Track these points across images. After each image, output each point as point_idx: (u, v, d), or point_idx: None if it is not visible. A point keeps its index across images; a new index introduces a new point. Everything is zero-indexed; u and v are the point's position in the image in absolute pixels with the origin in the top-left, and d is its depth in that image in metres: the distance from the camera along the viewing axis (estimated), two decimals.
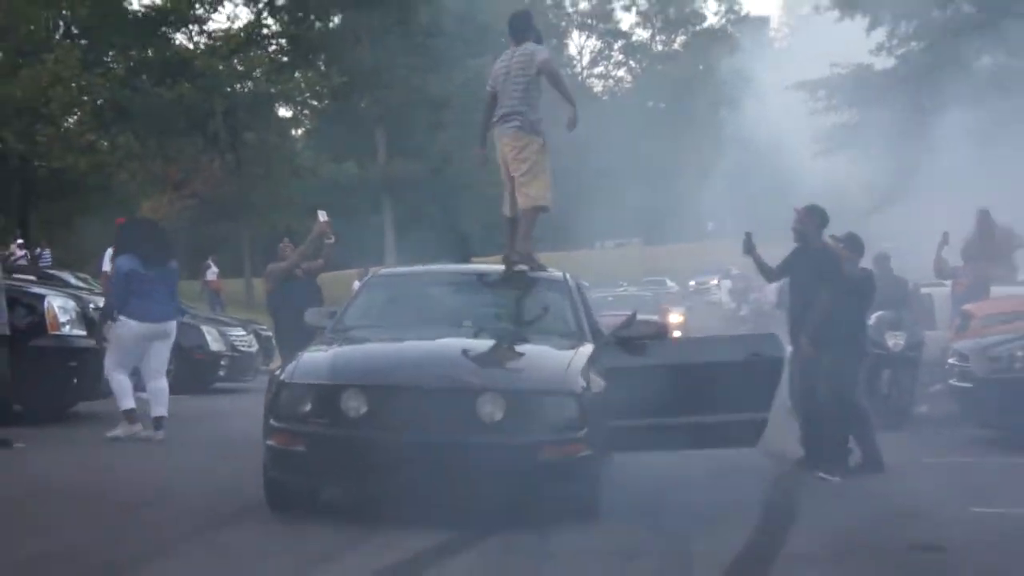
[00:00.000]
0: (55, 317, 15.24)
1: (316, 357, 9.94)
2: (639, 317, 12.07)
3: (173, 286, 14.73)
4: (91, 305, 16.24)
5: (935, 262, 17.20)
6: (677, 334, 28.74)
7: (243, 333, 21.04)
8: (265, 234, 60.21)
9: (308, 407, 9.31)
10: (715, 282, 53.30)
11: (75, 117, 51.79)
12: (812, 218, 12.99)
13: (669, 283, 50.29)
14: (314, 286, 13.22)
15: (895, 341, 16.19)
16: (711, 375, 10.94)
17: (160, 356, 14.61)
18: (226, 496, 10.43)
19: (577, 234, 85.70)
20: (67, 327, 15.37)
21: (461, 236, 62.58)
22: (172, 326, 14.65)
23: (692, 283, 63.58)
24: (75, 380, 15.59)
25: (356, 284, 21.53)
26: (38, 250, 43.23)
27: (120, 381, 14.25)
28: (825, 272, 12.46)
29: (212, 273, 47.15)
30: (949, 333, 17.31)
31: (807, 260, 12.78)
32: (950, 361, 15.50)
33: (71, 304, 15.69)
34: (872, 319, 17.18)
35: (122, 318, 14.08)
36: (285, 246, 13.25)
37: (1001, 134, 26.29)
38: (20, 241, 37.17)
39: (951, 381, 15.39)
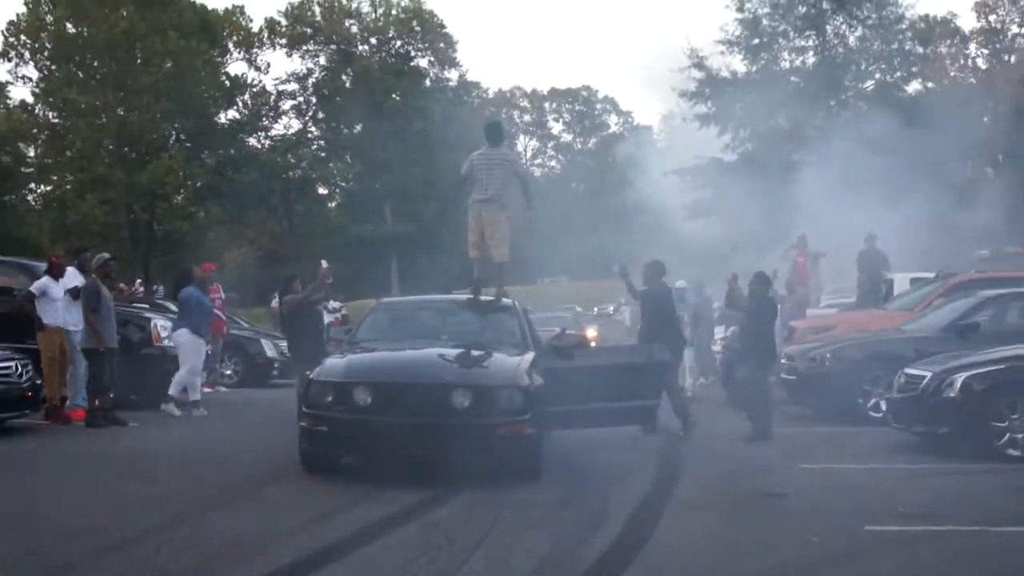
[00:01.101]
0: (158, 334, 14.87)
1: (335, 362, 9.60)
2: (567, 331, 11.71)
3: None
4: None
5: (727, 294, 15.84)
6: (593, 344, 28.29)
7: None
8: (309, 274, 60.12)
9: (329, 398, 8.95)
10: (611, 309, 52.47)
11: (181, 195, 52.26)
12: (652, 269, 13.59)
13: (577, 308, 49.46)
14: (316, 310, 12.85)
15: None
16: (619, 372, 10.58)
17: None
18: (273, 460, 10.01)
19: (524, 273, 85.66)
20: (166, 340, 14.83)
21: (445, 275, 62.41)
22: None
23: (595, 309, 62.92)
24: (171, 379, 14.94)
25: None
26: (155, 287, 42.91)
27: None
28: (661, 303, 13.28)
29: (275, 302, 46.31)
30: (780, 341, 16.86)
31: (651, 295, 13.43)
32: (782, 361, 15.07)
33: (169, 324, 15.11)
34: (728, 331, 16.92)
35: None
36: (297, 284, 12.79)
37: (805, 200, 26.39)
38: (140, 280, 36.53)
39: (782, 375, 14.96)
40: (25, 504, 8.07)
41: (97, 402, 12.61)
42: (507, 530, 7.51)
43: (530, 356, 9.86)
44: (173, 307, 21.29)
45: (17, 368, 11.62)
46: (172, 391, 13.83)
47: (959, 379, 10.50)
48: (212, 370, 17.56)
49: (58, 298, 12.90)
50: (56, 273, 13.13)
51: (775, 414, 12.54)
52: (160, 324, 14.99)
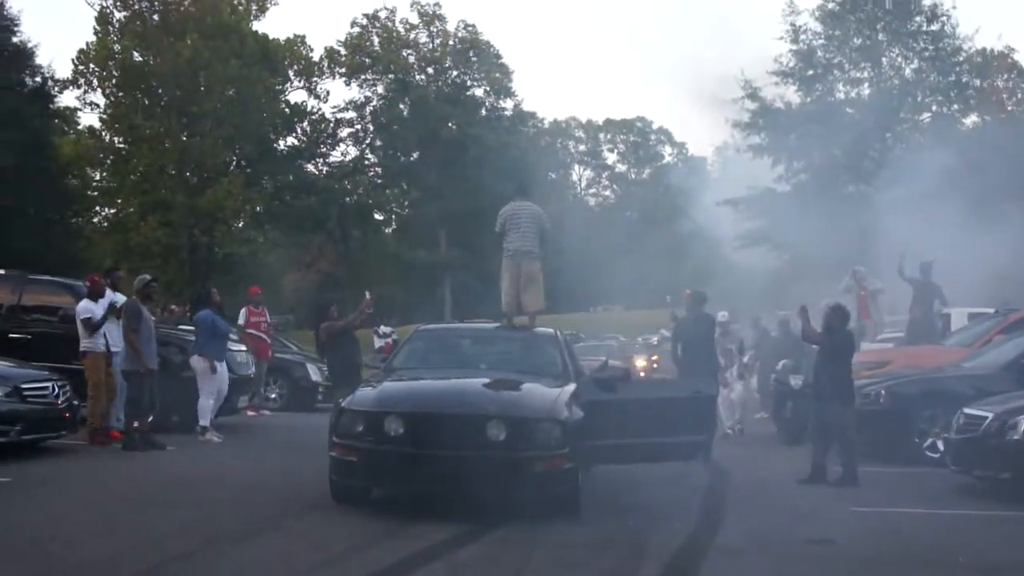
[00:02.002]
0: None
1: (367, 390, 9.13)
2: (610, 362, 11.20)
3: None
4: None
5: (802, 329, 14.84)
6: (641, 375, 27.58)
7: None
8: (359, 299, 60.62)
9: (360, 428, 8.50)
10: (655, 339, 50.93)
11: (241, 220, 52.56)
12: (693, 299, 13.60)
13: (621, 338, 48.35)
14: (353, 336, 12.52)
15: (795, 381, 15.06)
16: (664, 406, 9.98)
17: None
18: (306, 489, 9.52)
19: (577, 302, 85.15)
20: None
21: (497, 301, 62.07)
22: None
23: (639, 339, 61.79)
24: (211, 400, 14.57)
25: None
26: None
27: None
28: (700, 332, 13.06)
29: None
30: None
31: (689, 323, 13.43)
32: None
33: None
34: (779, 365, 16.16)
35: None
36: (334, 311, 12.49)
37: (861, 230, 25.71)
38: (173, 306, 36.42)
39: None
40: (45, 528, 7.71)
41: (136, 424, 12.31)
42: (540, 571, 7.05)
43: (571, 388, 9.35)
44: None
45: (54, 389, 11.35)
46: (202, 422, 13.47)
47: (1023, 421, 9.83)
48: (256, 393, 17.24)
49: (97, 317, 12.62)
50: (97, 294, 12.87)
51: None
52: None
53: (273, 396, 18.48)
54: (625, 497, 9.95)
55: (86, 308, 12.62)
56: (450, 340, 11.23)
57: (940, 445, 12.31)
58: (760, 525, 8.78)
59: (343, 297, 60.51)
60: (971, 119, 38.10)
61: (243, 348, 16.30)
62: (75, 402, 11.91)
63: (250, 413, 16.89)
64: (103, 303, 12.76)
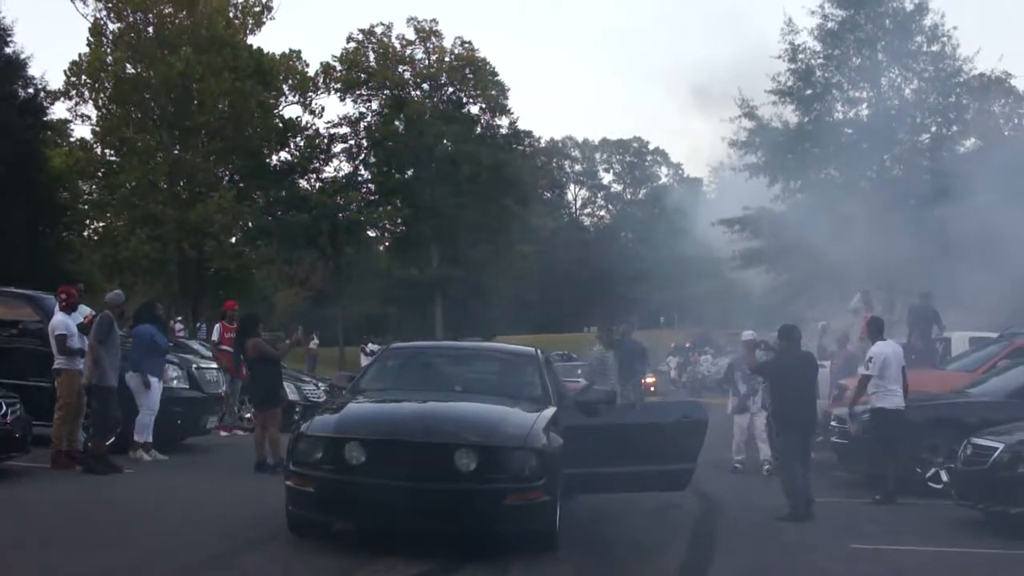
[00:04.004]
0: (167, 376, 13.45)
1: (327, 415, 8.34)
2: (594, 386, 10.48)
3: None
4: (193, 365, 14.67)
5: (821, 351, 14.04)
6: None
7: (314, 387, 19.22)
8: (353, 315, 60.20)
9: (319, 455, 7.74)
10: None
11: (232, 235, 51.83)
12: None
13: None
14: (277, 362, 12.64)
15: None
16: (650, 433, 9.29)
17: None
18: (263, 522, 8.69)
19: (568, 322, 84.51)
20: (175, 382, 13.78)
21: (489, 319, 61.60)
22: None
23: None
24: (179, 421, 13.86)
25: None
26: (198, 324, 42.64)
27: None
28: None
29: (314, 344, 45.36)
30: (828, 401, 15.39)
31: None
32: (831, 423, 13.69)
33: (179, 366, 14.12)
34: None
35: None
36: (260, 328, 12.91)
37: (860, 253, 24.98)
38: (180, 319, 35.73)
39: (832, 438, 13.58)
40: None
41: (97, 446, 11.56)
42: None
43: (550, 412, 8.61)
44: (198, 346, 20.49)
45: (2, 407, 10.55)
46: (138, 438, 12.57)
47: None
48: (228, 412, 16.50)
49: (75, 335, 11.88)
50: (71, 308, 12.11)
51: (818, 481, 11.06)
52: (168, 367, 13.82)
53: (248, 416, 17.67)
54: (607, 531, 9.23)
55: (62, 324, 11.85)
56: (423, 359, 10.38)
57: (944, 476, 11.65)
58: (753, 563, 8.08)
59: (334, 314, 60.14)
60: (971, 141, 37.36)
61: (214, 366, 15.58)
62: (30, 422, 11.10)
63: (223, 433, 16.18)
64: (76, 317, 12.05)
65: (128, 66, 49.31)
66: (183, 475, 11.92)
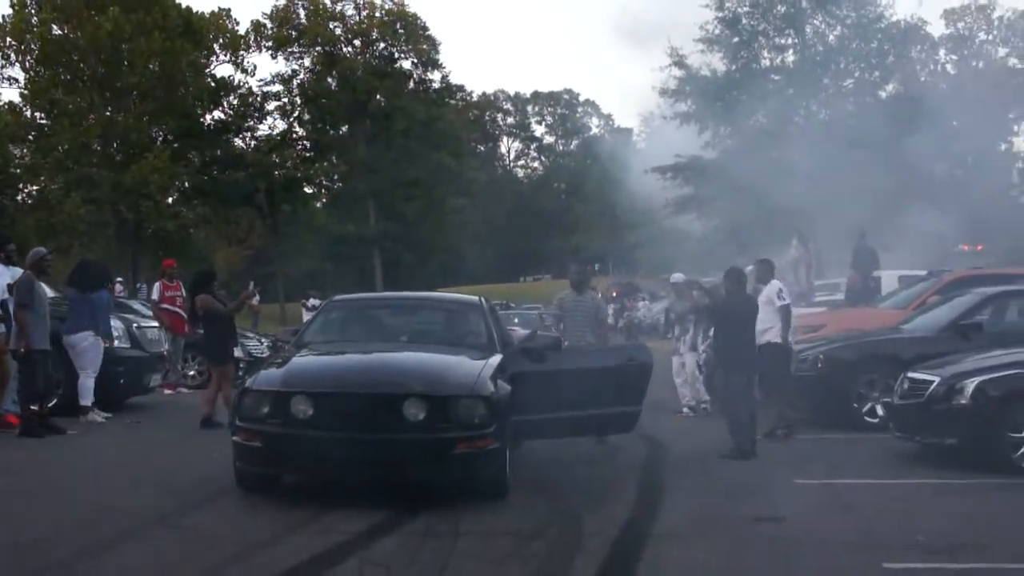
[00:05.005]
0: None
1: (272, 369, 8.03)
2: (539, 332, 10.26)
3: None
4: (134, 325, 14.20)
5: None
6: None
7: (258, 343, 18.78)
8: (292, 272, 59.56)
9: (265, 409, 7.47)
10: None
11: (169, 195, 50.85)
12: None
13: (541, 308, 47.49)
14: (231, 318, 12.42)
15: None
16: (595, 377, 9.12)
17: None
18: (212, 479, 8.38)
19: (506, 272, 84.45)
20: (117, 342, 13.26)
21: (429, 275, 61.37)
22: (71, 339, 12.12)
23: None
24: (122, 380, 13.42)
25: None
26: (138, 285, 41.68)
27: None
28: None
29: (255, 300, 44.72)
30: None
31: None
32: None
33: (120, 325, 13.61)
34: (711, 331, 15.19)
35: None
36: (214, 285, 12.54)
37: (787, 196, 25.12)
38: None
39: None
40: None
41: (34, 408, 11.12)
42: (463, 567, 6.15)
43: (496, 360, 8.40)
44: (138, 306, 19.87)
45: None
46: (83, 401, 12.17)
47: (971, 385, 9.16)
48: (172, 370, 16.08)
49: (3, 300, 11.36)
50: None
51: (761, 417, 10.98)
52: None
53: (192, 373, 17.26)
54: (556, 477, 9.07)
55: None
56: (367, 311, 10.10)
57: (880, 410, 11.70)
58: (702, 504, 7.97)
59: (273, 271, 59.36)
60: (891, 87, 37.70)
61: (155, 325, 15.12)
62: None
63: (166, 391, 15.77)
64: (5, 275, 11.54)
65: (55, 27, 47.71)
66: (128, 435, 11.56)
